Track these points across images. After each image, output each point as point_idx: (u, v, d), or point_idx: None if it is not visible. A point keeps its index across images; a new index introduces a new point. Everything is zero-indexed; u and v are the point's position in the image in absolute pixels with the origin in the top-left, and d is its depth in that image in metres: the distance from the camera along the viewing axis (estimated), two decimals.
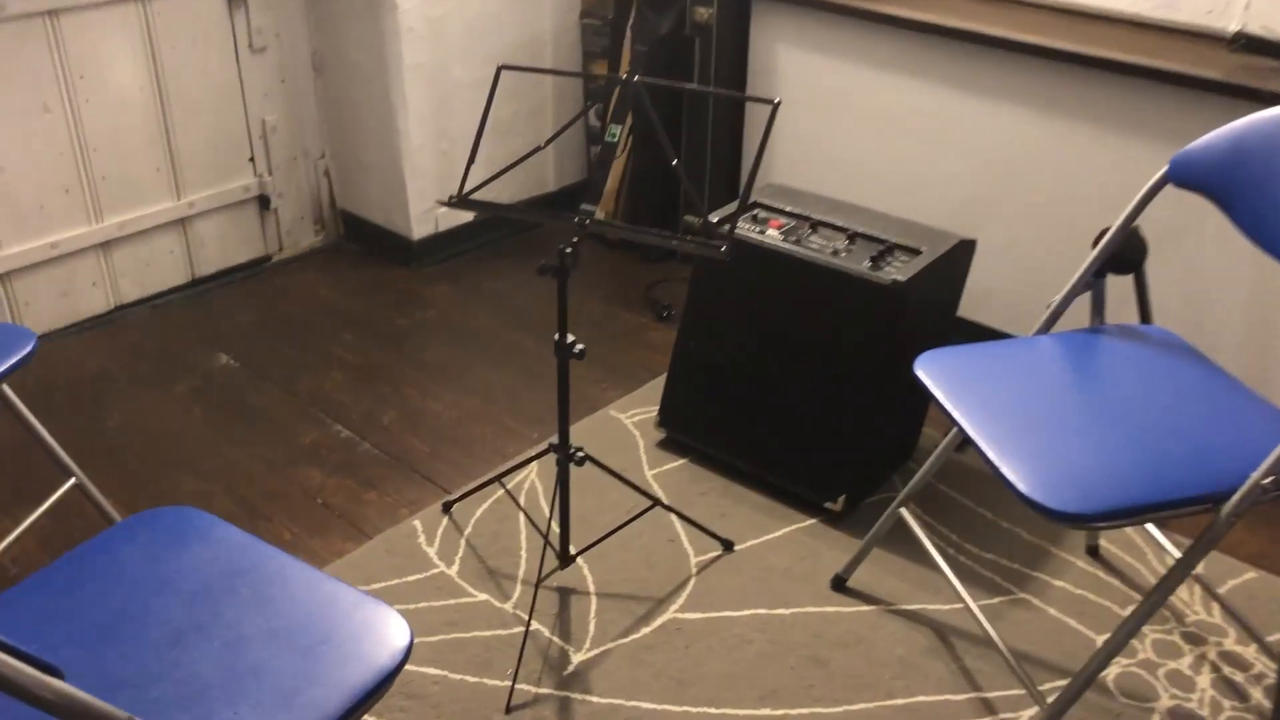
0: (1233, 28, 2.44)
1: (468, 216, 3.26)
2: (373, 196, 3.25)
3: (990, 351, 1.84)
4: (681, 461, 2.42)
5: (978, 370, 1.79)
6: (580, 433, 2.49)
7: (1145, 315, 2.19)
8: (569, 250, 1.75)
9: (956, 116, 2.67)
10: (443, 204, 1.78)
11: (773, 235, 2.29)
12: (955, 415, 1.66)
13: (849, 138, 2.89)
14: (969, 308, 2.70)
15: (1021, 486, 1.49)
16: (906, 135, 2.78)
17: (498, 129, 3.21)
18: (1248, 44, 2.34)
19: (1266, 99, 2.18)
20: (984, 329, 2.79)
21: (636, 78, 1.78)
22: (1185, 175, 1.78)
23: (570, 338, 1.85)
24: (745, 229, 2.32)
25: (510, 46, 3.19)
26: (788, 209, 2.38)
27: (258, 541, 1.37)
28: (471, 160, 1.90)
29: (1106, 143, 2.46)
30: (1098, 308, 1.99)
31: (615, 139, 1.79)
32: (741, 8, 2.95)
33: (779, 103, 1.71)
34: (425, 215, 3.17)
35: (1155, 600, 1.57)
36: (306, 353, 2.83)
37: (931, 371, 1.79)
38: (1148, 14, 2.57)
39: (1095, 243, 2.26)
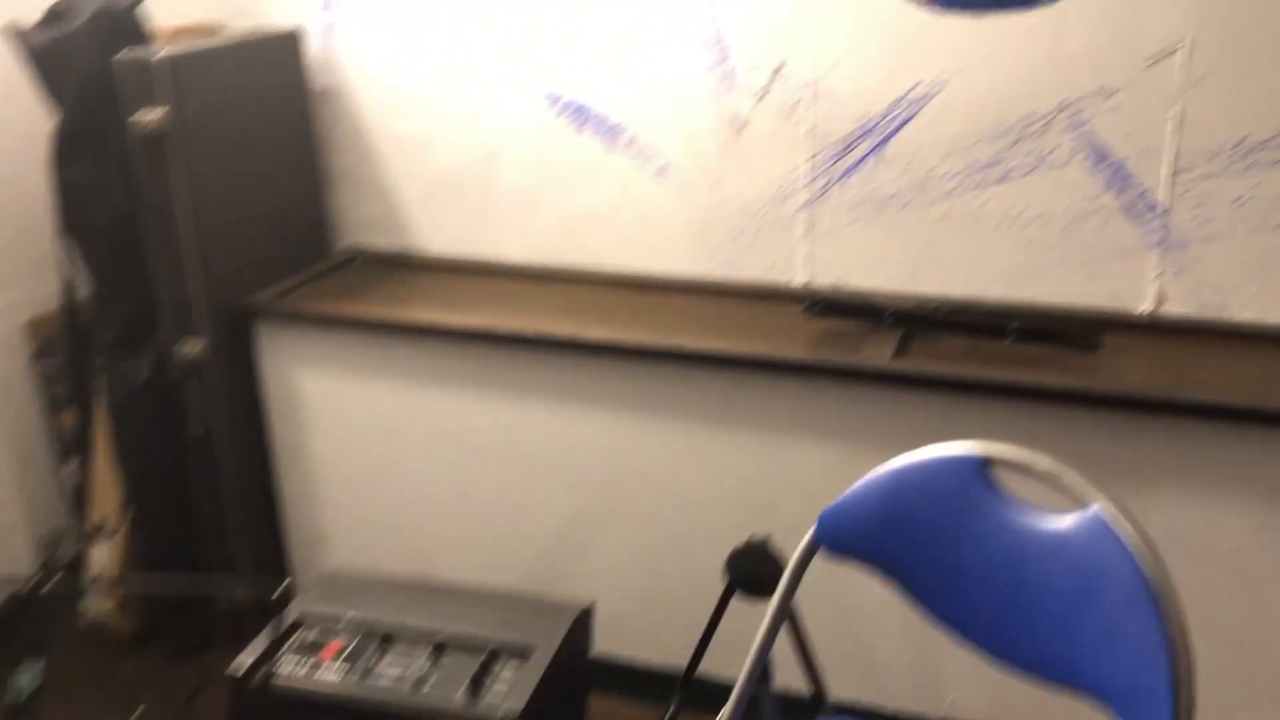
0: (797, 280, 2.23)
1: None
2: None
3: None
4: None
5: None
6: None
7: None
8: None
9: (537, 428, 2.20)
10: None
11: (329, 672, 1.66)
12: None
13: (415, 475, 2.32)
14: (599, 637, 2.19)
15: None
16: (483, 459, 2.27)
17: None
18: (823, 306, 2.11)
19: (860, 375, 1.94)
20: (617, 664, 2.30)
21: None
22: (838, 540, 1.39)
23: None
24: (290, 668, 1.68)
25: None
26: (346, 617, 1.77)
27: None
28: None
29: (709, 439, 2.10)
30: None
31: (24, 695, 1.09)
32: (239, 334, 2.32)
33: None
34: None
35: None
36: None
37: None
38: (712, 275, 2.30)
39: (728, 563, 1.87)
